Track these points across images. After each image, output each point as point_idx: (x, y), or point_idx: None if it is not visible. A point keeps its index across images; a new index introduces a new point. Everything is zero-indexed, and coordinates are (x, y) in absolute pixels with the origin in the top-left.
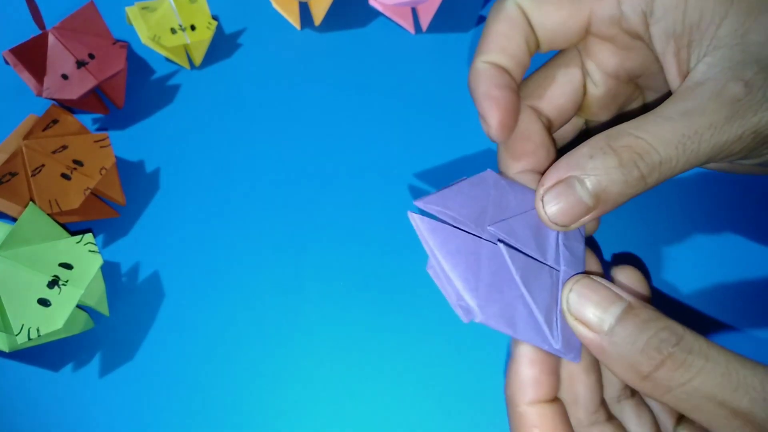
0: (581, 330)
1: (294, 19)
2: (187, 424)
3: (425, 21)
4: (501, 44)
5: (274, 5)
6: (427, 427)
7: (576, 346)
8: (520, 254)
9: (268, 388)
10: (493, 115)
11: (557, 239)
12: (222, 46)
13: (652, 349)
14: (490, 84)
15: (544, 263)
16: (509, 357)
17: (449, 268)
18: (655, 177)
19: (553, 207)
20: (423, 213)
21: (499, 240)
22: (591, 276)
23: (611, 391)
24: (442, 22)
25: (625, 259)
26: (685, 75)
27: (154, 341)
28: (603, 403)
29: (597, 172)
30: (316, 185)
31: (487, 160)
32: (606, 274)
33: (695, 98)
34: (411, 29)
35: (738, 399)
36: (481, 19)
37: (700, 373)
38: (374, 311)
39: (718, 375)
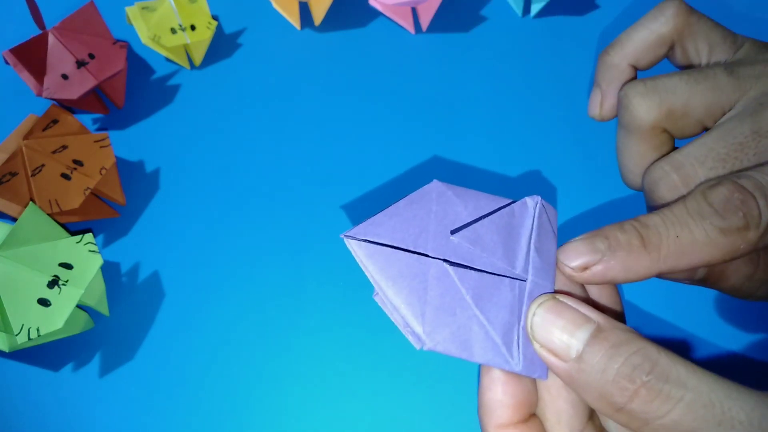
0: (548, 358)
1: (294, 19)
2: (187, 423)
3: (425, 21)
4: (637, 54)
5: (274, 5)
6: (426, 426)
7: (543, 363)
8: (472, 271)
9: (268, 388)
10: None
11: (529, 242)
12: (222, 46)
13: (624, 379)
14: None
15: (505, 276)
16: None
17: (392, 294)
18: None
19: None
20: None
21: (446, 261)
22: (556, 296)
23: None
24: (442, 22)
25: None
26: None
27: (154, 341)
28: (593, 417)
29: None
30: (316, 184)
31: (486, 156)
32: None
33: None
34: (411, 29)
35: None
36: (481, 19)
37: (680, 405)
38: (374, 311)
39: (699, 407)
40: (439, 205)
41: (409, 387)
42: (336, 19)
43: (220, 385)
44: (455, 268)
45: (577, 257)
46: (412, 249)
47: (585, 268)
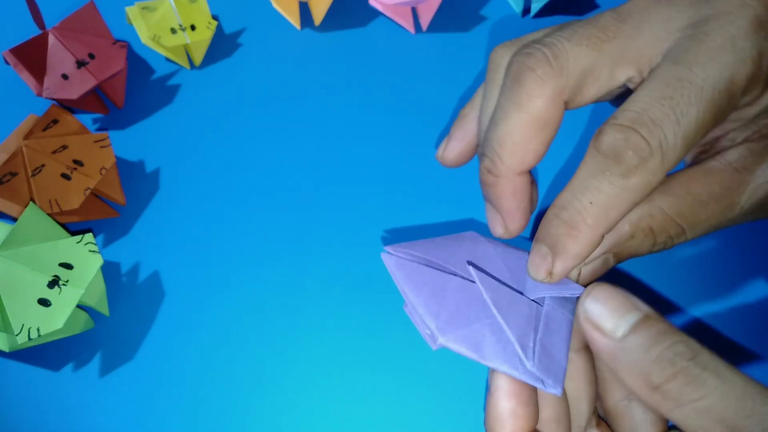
0: (594, 335)
1: (294, 19)
2: (187, 424)
3: (425, 21)
4: (523, 149)
5: (274, 5)
6: (428, 428)
7: (558, 378)
8: (493, 280)
9: (268, 388)
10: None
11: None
12: (222, 46)
13: (665, 361)
14: (519, 198)
15: (524, 294)
16: (487, 389)
17: (413, 297)
18: None
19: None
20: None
21: (470, 263)
22: (610, 285)
23: (579, 420)
24: (442, 22)
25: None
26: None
27: (154, 341)
28: None
29: None
30: (316, 184)
31: None
32: None
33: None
34: (411, 29)
35: (750, 427)
36: (481, 19)
37: (714, 393)
38: (374, 311)
39: (732, 398)
40: (471, 242)
41: (410, 388)
42: (336, 19)
43: (220, 385)
44: (478, 272)
45: (537, 270)
46: (440, 267)
47: (549, 273)
